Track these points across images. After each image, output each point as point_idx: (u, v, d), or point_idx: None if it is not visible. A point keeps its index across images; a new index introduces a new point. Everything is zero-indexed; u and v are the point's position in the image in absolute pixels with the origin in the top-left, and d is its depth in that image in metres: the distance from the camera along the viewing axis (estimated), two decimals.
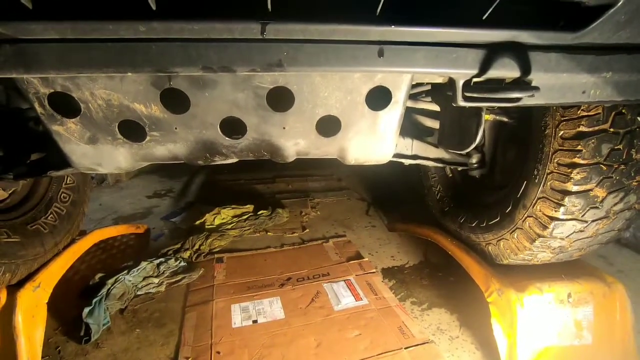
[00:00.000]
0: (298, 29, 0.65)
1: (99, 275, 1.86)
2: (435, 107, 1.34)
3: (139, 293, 1.83)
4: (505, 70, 0.75)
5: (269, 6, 0.62)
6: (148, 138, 0.83)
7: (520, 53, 0.74)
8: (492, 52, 0.73)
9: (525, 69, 0.75)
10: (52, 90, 0.73)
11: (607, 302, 1.30)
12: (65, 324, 1.61)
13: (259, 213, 2.74)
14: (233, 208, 2.76)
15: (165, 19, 0.61)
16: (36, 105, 0.75)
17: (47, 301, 1.41)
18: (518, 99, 0.77)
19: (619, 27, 0.72)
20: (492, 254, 1.46)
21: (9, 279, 1.31)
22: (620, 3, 0.66)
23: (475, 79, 0.78)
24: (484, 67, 0.75)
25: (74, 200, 1.76)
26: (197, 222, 2.60)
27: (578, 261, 1.43)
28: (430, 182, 2.05)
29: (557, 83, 0.79)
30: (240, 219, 2.69)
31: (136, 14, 0.61)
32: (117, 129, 0.81)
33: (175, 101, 0.78)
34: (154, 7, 0.60)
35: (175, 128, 0.82)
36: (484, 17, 0.67)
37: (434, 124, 1.48)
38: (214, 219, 2.65)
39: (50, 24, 0.59)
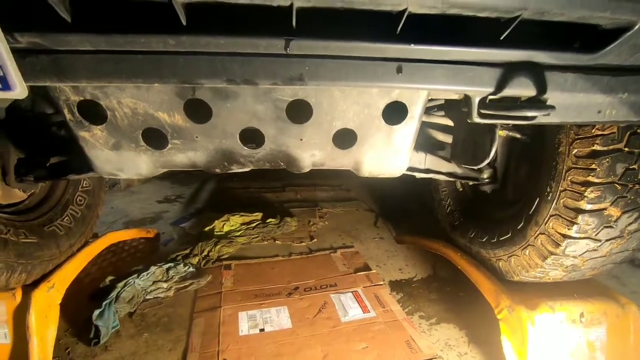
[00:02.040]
0: (320, 46, 0.67)
1: (110, 278, 1.89)
2: (448, 122, 1.35)
3: (147, 297, 1.85)
4: (521, 88, 0.77)
5: (294, 23, 0.64)
6: (169, 146, 0.86)
7: (536, 72, 0.75)
8: (508, 71, 0.75)
9: (541, 88, 0.76)
10: (81, 98, 0.76)
11: (621, 324, 1.28)
12: (76, 326, 1.63)
13: (267, 221, 2.75)
14: (242, 215, 2.78)
15: (194, 34, 0.64)
16: (66, 111, 0.78)
17: (60, 302, 1.43)
18: (533, 117, 0.78)
19: (636, 50, 0.73)
20: (503, 270, 1.45)
21: (25, 279, 1.34)
22: (637, 27, 0.67)
23: (491, 97, 0.79)
24: (500, 85, 0.76)
25: (89, 203, 1.80)
26: (206, 229, 2.62)
27: (591, 281, 1.41)
28: (441, 196, 2.05)
29: (572, 102, 0.80)
30: (248, 226, 2.70)
31: (167, 29, 0.63)
32: (140, 137, 0.83)
33: (197, 111, 0.81)
34: (184, 22, 0.63)
35: (196, 137, 0.84)
36: (501, 38, 0.69)
37: (447, 138, 1.48)
38: (223, 225, 2.67)
39: (86, 36, 0.63)
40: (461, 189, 1.95)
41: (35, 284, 1.38)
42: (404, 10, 0.62)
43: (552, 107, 0.75)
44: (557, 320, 1.25)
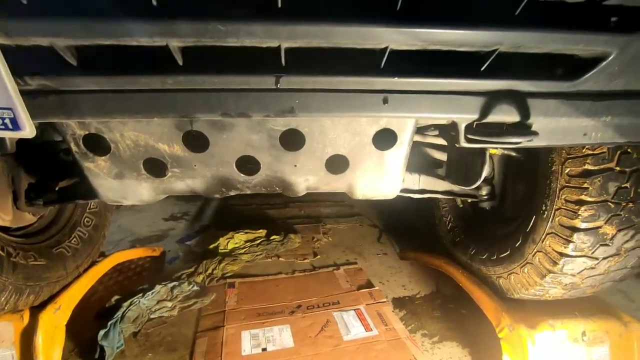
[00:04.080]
0: (309, 81, 0.71)
1: (115, 297, 1.92)
2: (444, 141, 1.37)
3: (152, 316, 1.87)
4: (505, 115, 0.79)
5: (283, 61, 0.68)
6: (169, 174, 0.90)
7: (519, 100, 0.78)
8: (492, 99, 0.77)
9: (525, 114, 0.79)
10: (87, 132, 0.81)
11: (624, 343, 1.26)
12: (81, 345, 1.65)
13: (271, 238, 2.77)
14: (246, 233, 2.80)
15: (190, 73, 0.68)
16: (72, 144, 0.83)
17: (66, 323, 1.47)
18: (518, 142, 0.81)
19: (614, 77, 0.76)
20: (503, 288, 1.45)
21: (33, 301, 1.38)
22: (611, 57, 0.70)
23: (477, 122, 0.82)
24: (485, 112, 0.79)
25: (96, 224, 1.85)
26: (211, 246, 2.65)
27: (592, 298, 1.40)
28: (441, 212, 2.06)
29: (557, 126, 0.82)
30: (253, 243, 2.72)
31: (165, 69, 0.68)
32: (142, 166, 0.88)
33: (195, 141, 0.85)
34: (180, 63, 0.67)
35: (195, 165, 0.89)
36: (482, 69, 0.72)
37: (443, 157, 1.51)
38: (228, 243, 2.69)
39: (91, 78, 0.67)
40: (461, 206, 1.96)
41: (43, 305, 1.41)
42: (386, 48, 0.66)
43: (535, 133, 0.78)
44: (558, 339, 1.25)
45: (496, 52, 0.68)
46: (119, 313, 1.77)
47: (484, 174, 1.00)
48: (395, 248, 2.75)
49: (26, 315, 1.35)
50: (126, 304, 1.84)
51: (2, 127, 0.62)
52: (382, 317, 1.85)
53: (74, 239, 1.69)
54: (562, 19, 0.64)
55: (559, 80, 0.76)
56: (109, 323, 1.68)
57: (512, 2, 0.62)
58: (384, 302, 1.99)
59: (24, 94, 0.65)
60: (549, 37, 0.65)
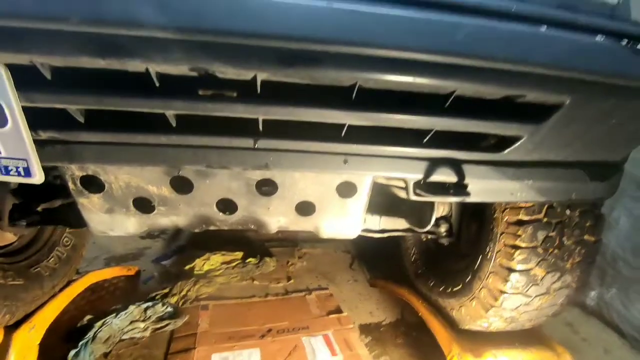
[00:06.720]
0: (282, 143, 0.85)
1: (87, 317, 1.94)
2: None
3: (124, 337, 1.90)
4: (445, 176, 0.96)
5: (260, 128, 0.82)
6: (155, 211, 1.01)
7: (456, 165, 0.94)
8: (434, 164, 0.94)
9: (461, 176, 0.95)
10: (84, 174, 0.92)
11: None
12: None
13: (247, 261, 2.84)
14: (223, 254, 2.87)
15: (182, 134, 0.81)
16: (70, 183, 0.93)
17: (39, 342, 1.50)
18: (455, 199, 0.97)
19: (530, 151, 0.93)
20: (456, 319, 1.60)
21: (8, 320, 1.41)
22: (524, 139, 0.87)
23: (423, 181, 0.98)
24: (429, 174, 0.95)
25: (75, 244, 1.89)
26: (187, 267, 2.69)
27: (532, 330, 1.56)
28: (407, 244, 2.22)
29: (488, 187, 0.99)
30: (228, 265, 2.79)
31: (160, 129, 0.81)
32: (131, 203, 0.99)
33: (181, 185, 0.97)
34: (173, 125, 0.80)
35: (179, 205, 1.00)
36: (423, 142, 0.89)
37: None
38: (204, 264, 2.75)
39: (95, 133, 0.79)
40: (425, 240, 2.12)
41: (17, 324, 1.45)
42: (344, 124, 0.81)
43: (468, 194, 0.94)
44: None
45: (432, 131, 0.84)
46: (91, 333, 1.80)
47: (433, 220, 1.15)
48: (366, 275, 2.88)
49: (0, 334, 1.39)
50: (98, 324, 1.87)
51: (16, 174, 0.73)
52: (348, 342, 1.95)
53: (52, 259, 1.73)
54: (482, 110, 0.82)
55: (487, 151, 0.94)
56: (80, 343, 1.71)
57: (443, 97, 0.79)
58: (351, 328, 2.09)
59: (34, 142, 0.76)
60: (471, 124, 0.82)
